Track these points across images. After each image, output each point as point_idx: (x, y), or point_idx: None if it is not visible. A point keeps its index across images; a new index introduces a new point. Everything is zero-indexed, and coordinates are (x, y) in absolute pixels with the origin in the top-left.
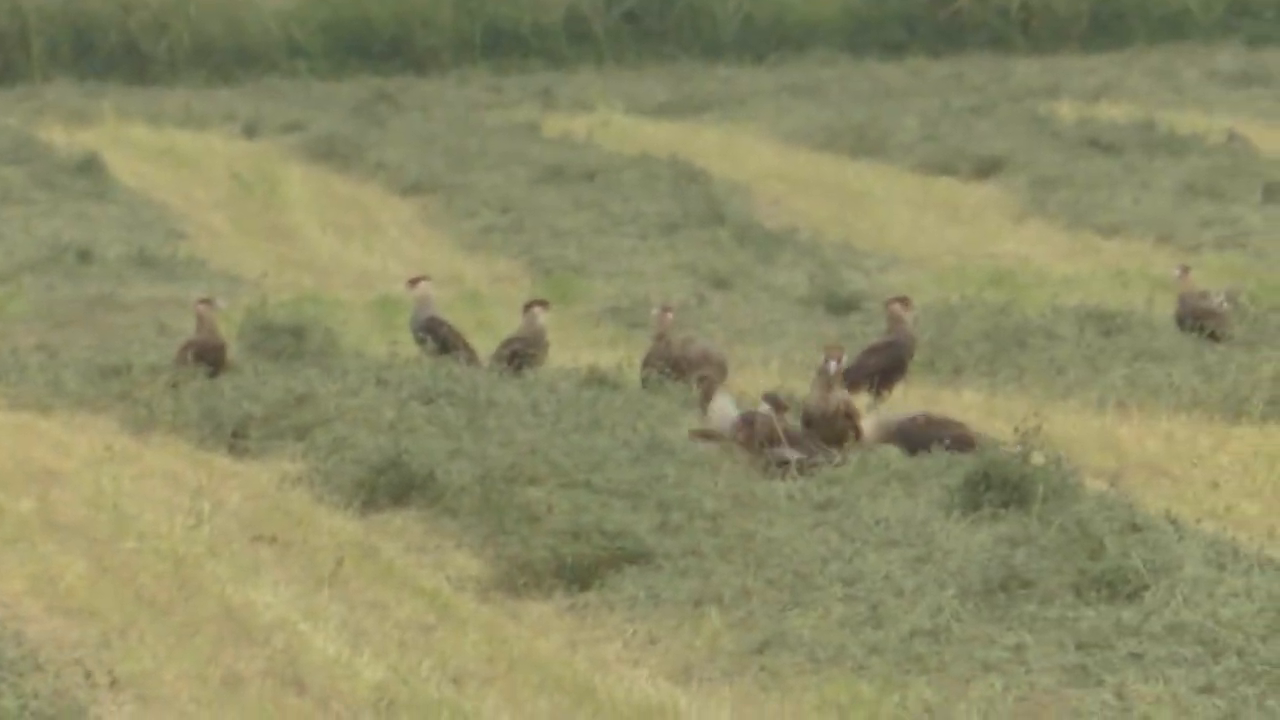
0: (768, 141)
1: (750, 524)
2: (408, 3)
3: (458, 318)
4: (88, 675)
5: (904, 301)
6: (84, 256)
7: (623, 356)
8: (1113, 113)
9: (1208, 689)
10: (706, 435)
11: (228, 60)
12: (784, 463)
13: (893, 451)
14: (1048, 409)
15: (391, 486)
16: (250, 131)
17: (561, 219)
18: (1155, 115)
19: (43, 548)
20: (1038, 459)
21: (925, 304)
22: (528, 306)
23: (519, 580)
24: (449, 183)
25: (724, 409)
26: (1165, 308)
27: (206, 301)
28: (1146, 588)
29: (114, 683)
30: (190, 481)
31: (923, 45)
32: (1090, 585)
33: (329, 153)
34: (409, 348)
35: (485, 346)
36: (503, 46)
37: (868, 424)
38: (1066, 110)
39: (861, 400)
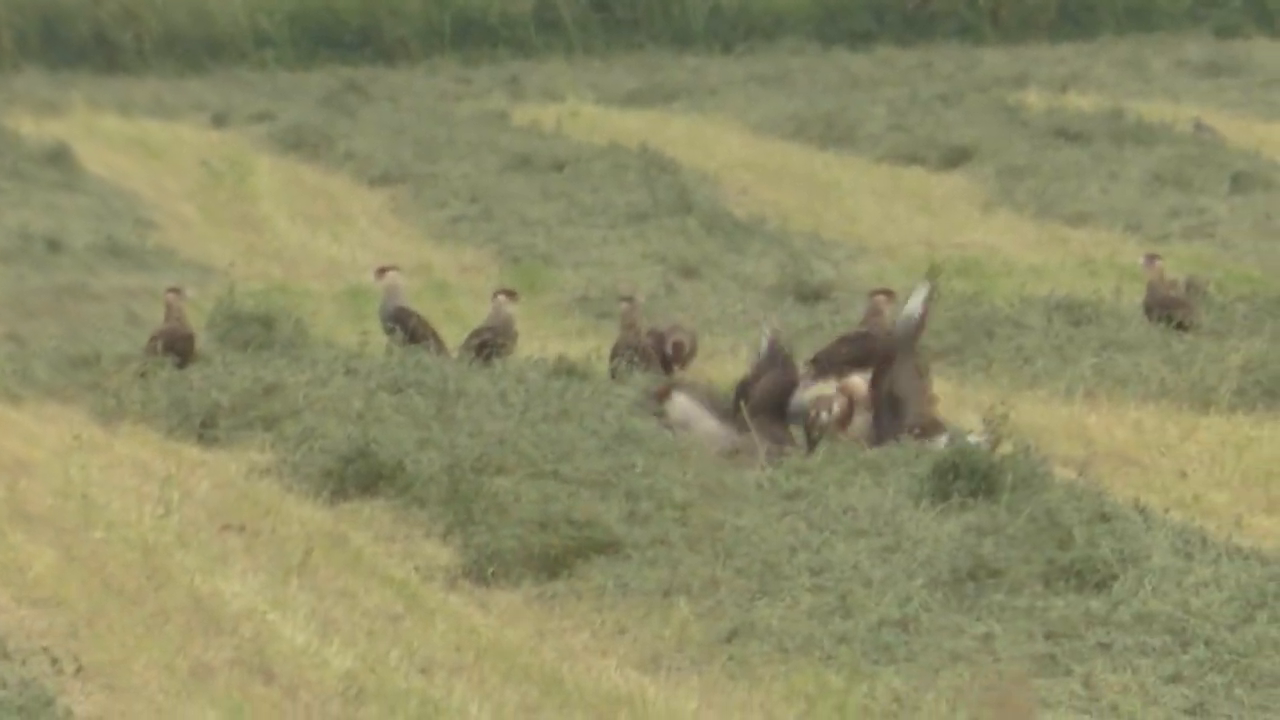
0: (736, 131)
1: (718, 513)
2: None
3: (426, 307)
4: (55, 664)
5: (887, 294)
6: (53, 246)
7: (592, 347)
8: (1081, 103)
9: (1176, 678)
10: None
11: (197, 50)
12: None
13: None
14: (1016, 398)
15: (360, 476)
16: (219, 121)
17: (530, 208)
18: (1123, 105)
19: (11, 537)
20: (1006, 448)
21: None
22: (495, 295)
23: (487, 570)
24: (418, 172)
25: (684, 408)
26: (1133, 297)
27: (175, 291)
28: (1115, 577)
29: (82, 672)
30: (159, 471)
31: (891, 35)
32: (1059, 574)
33: (298, 143)
34: (378, 338)
35: (454, 336)
36: (472, 36)
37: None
38: (1035, 100)
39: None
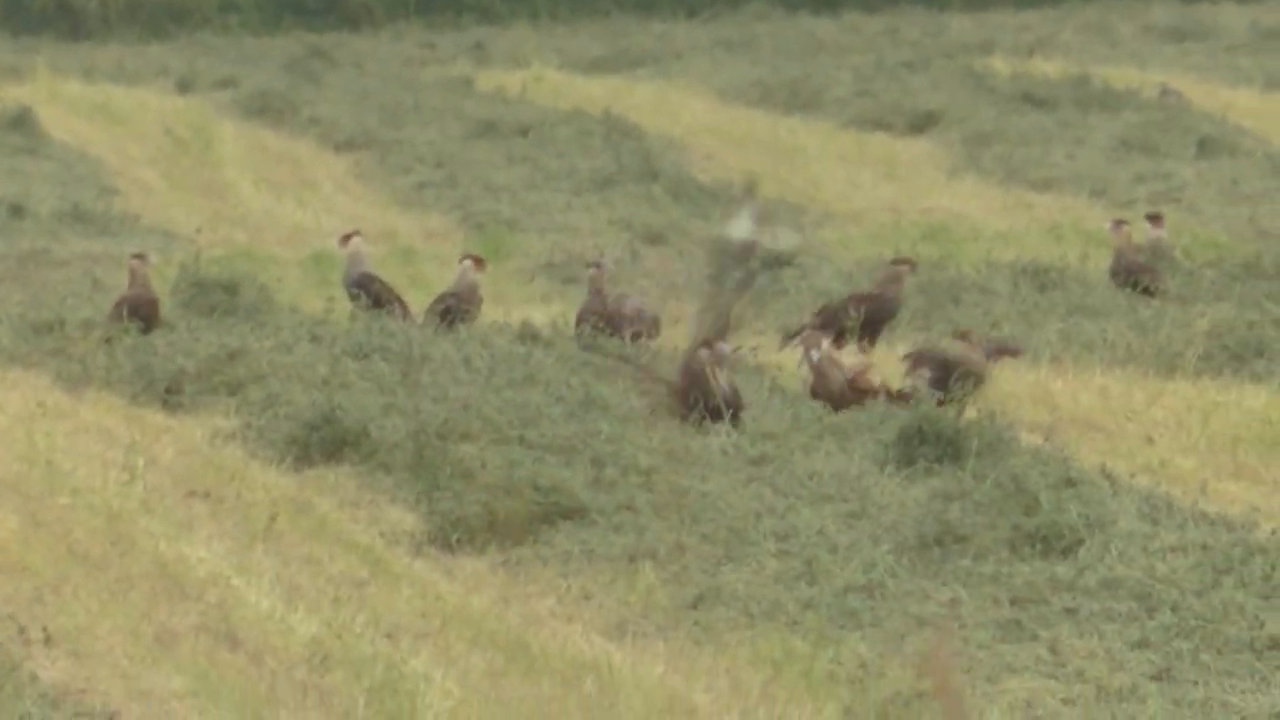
0: (702, 97)
1: (684, 479)
2: None
3: (391, 273)
4: (21, 631)
5: (909, 264)
6: (17, 212)
7: (557, 313)
8: (1047, 68)
9: (1142, 643)
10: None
11: (161, 16)
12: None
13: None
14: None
15: (325, 442)
16: (184, 87)
17: (495, 174)
18: (1089, 70)
19: None
20: (972, 414)
21: (859, 260)
22: (462, 259)
23: (452, 535)
24: (383, 138)
25: None
26: (1099, 263)
27: (140, 257)
28: (1081, 542)
29: (48, 638)
30: (123, 437)
31: (857, 1)
32: (1024, 540)
33: (262, 109)
34: (343, 303)
35: (419, 302)
36: (437, 2)
37: None
38: (1001, 66)
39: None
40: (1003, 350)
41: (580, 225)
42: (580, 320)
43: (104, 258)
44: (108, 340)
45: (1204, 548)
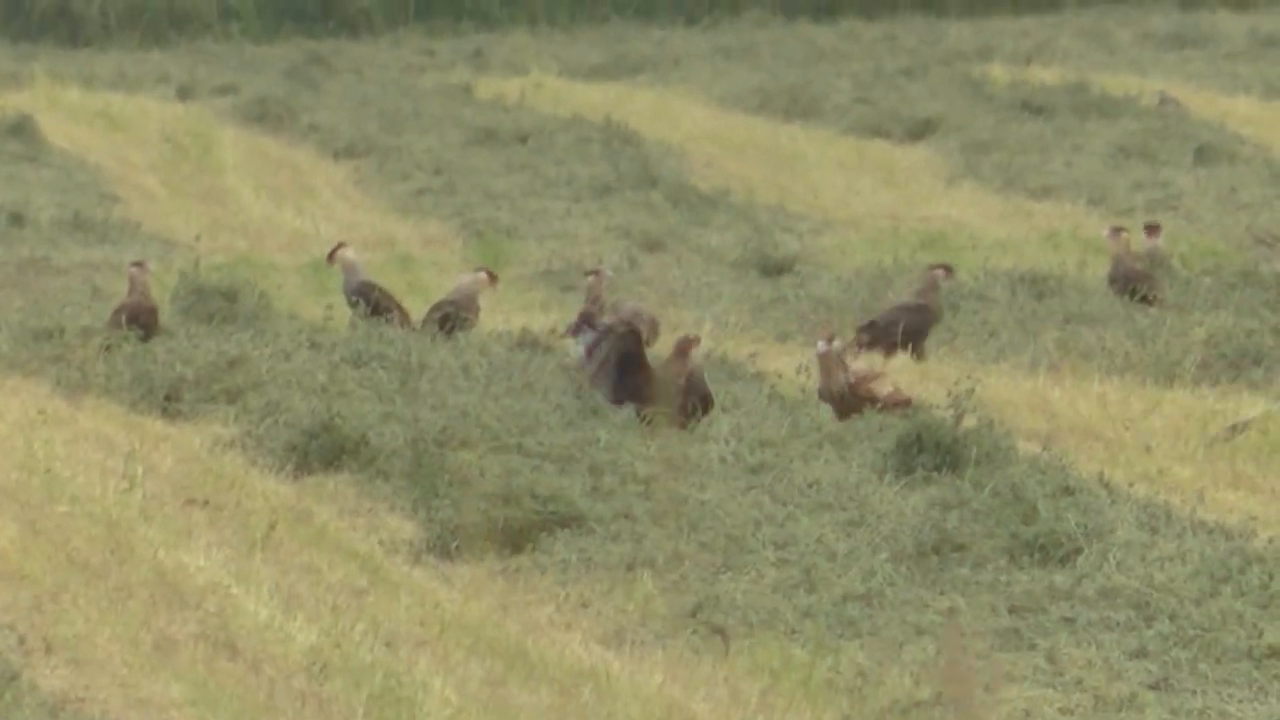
0: (701, 104)
1: (682, 487)
2: None
3: (389, 280)
4: (20, 640)
5: (946, 269)
6: (16, 219)
7: (556, 320)
8: (1045, 75)
9: (1140, 653)
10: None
11: (160, 22)
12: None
13: (825, 414)
14: (980, 372)
15: (324, 450)
16: (183, 94)
17: (494, 181)
18: (1088, 78)
19: None
20: (970, 422)
21: (857, 267)
22: (478, 270)
23: (451, 543)
24: (382, 145)
25: None
26: (1097, 270)
27: (139, 264)
28: (1079, 551)
29: (47, 647)
30: (123, 445)
31: (855, 7)
32: (1023, 549)
33: (262, 115)
34: (342, 311)
35: (418, 309)
36: (435, 9)
37: None
38: (999, 73)
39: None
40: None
41: (579, 232)
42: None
43: (104, 265)
44: (107, 348)
45: (1202, 557)
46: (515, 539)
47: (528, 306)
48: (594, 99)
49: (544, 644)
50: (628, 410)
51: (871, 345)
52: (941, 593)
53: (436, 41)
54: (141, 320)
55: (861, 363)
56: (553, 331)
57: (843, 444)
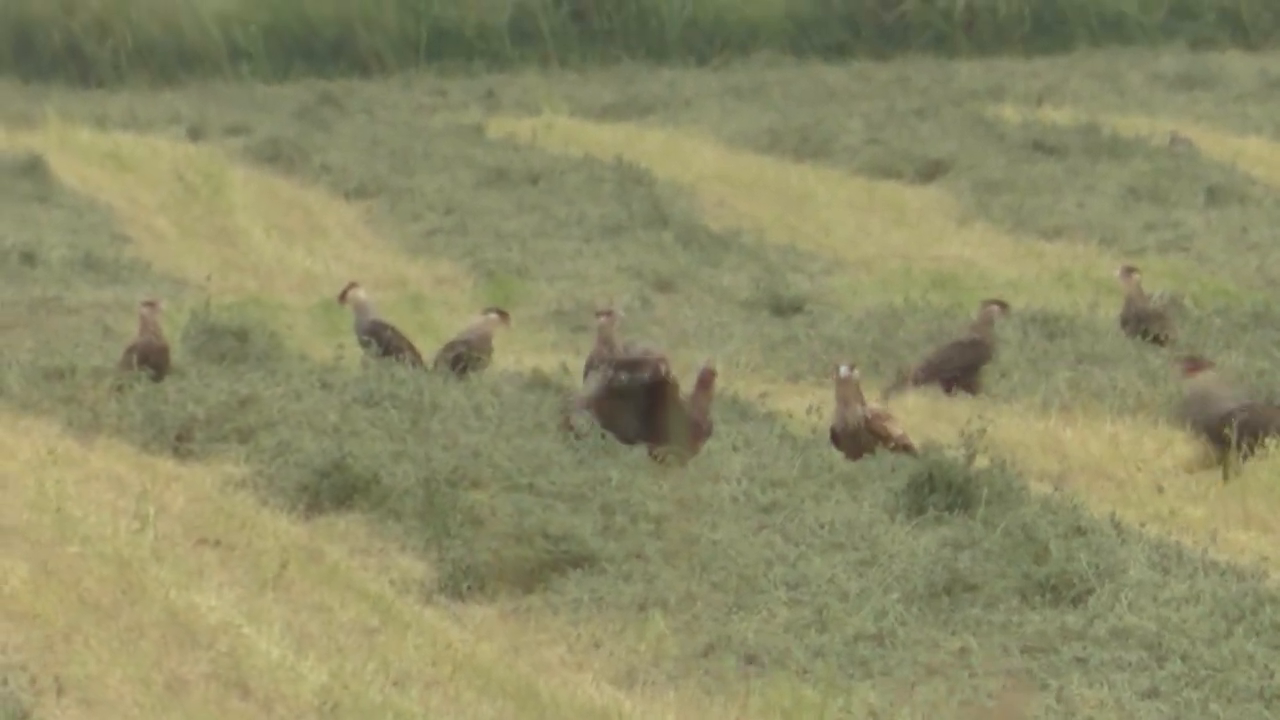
0: (712, 144)
1: (694, 527)
2: (350, 4)
3: (401, 320)
4: (32, 680)
5: (1001, 305)
6: (28, 259)
7: (567, 360)
8: (1056, 116)
9: (1152, 693)
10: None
11: (171, 63)
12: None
13: (836, 454)
14: (992, 412)
15: (335, 489)
16: (195, 134)
17: (505, 222)
18: (1099, 118)
19: None
20: (982, 462)
21: (869, 307)
22: (487, 311)
23: (462, 583)
24: (393, 185)
25: None
26: (1109, 311)
27: (150, 304)
28: (1091, 591)
29: (58, 687)
30: (134, 485)
31: (866, 48)
32: (1035, 589)
33: (273, 156)
34: (353, 350)
35: (429, 349)
36: (447, 49)
37: None
38: (1010, 113)
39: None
40: None
41: (590, 272)
42: (589, 367)
43: (115, 305)
44: (118, 387)
45: (1214, 597)
46: (527, 579)
47: (539, 347)
48: (605, 139)
49: (556, 684)
50: (639, 449)
51: (926, 381)
52: (953, 633)
53: (448, 82)
54: (153, 360)
55: (875, 403)
56: (565, 370)
57: (854, 484)
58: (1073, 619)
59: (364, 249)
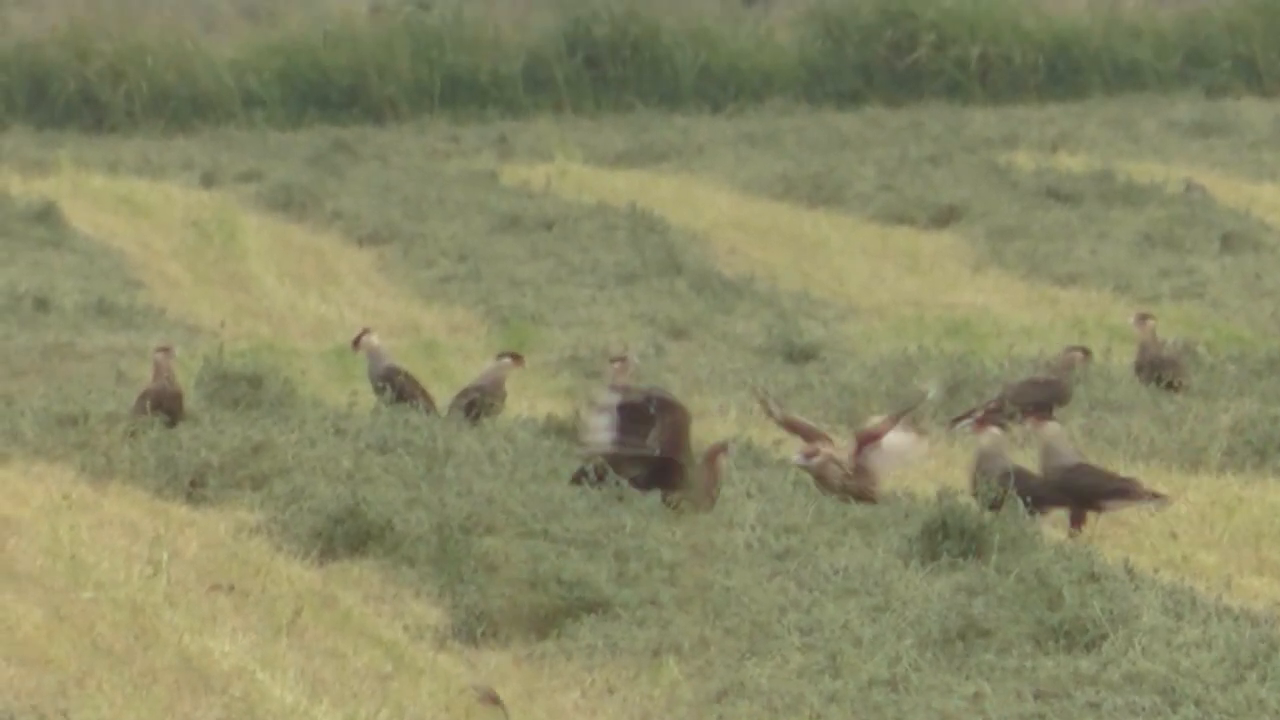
0: (725, 191)
1: (708, 573)
2: (364, 51)
3: (414, 367)
4: None
5: (1085, 353)
6: (41, 305)
7: (579, 406)
8: (1070, 163)
9: None
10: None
11: (185, 109)
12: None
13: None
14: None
15: (349, 536)
16: (208, 181)
17: (519, 268)
18: (1113, 165)
19: None
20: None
21: (882, 354)
22: (500, 356)
23: (476, 629)
24: (406, 232)
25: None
26: (1123, 358)
27: (164, 350)
28: (1104, 637)
29: None
30: (148, 530)
31: (880, 95)
32: (1048, 634)
33: (286, 202)
34: (367, 397)
35: (443, 396)
36: (460, 96)
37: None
38: (1024, 160)
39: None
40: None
41: (604, 319)
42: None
43: (128, 351)
44: (132, 433)
45: (1228, 643)
46: (541, 624)
47: (553, 393)
48: (619, 186)
49: None
50: (653, 496)
51: (997, 412)
52: (967, 678)
53: (461, 128)
54: (166, 406)
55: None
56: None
57: (868, 530)
58: (1086, 664)
59: (377, 295)
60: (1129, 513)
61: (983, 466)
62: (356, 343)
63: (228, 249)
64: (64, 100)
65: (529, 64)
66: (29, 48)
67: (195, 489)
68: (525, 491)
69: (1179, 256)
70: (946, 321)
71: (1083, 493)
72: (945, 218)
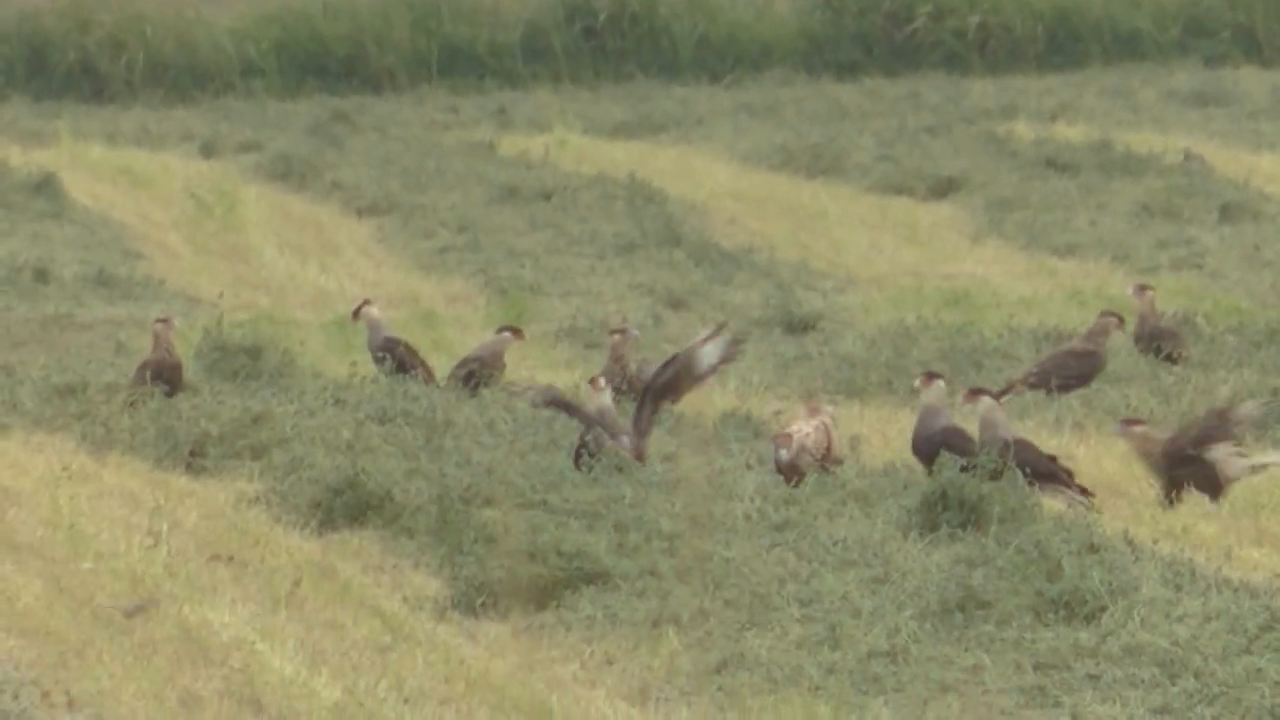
0: (724, 161)
1: (707, 545)
2: (362, 22)
3: (413, 338)
4: (45, 695)
5: (1119, 319)
6: (41, 276)
7: (579, 378)
8: (1069, 133)
9: (1164, 710)
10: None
11: (184, 80)
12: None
13: (849, 471)
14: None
15: (348, 506)
16: (207, 151)
17: (518, 239)
18: (1112, 135)
19: (0, 568)
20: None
21: (881, 325)
22: (500, 330)
23: (476, 600)
24: (405, 203)
25: None
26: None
27: (163, 321)
28: (1104, 609)
29: (71, 703)
30: (147, 501)
31: (879, 66)
32: (1047, 606)
33: (285, 173)
34: (366, 368)
35: (442, 367)
36: (459, 66)
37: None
38: (1023, 130)
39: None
40: None
41: (603, 290)
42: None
43: (128, 322)
44: (131, 404)
45: (1227, 614)
46: (540, 596)
47: (552, 364)
48: (617, 157)
49: (569, 701)
50: (652, 467)
51: (1037, 387)
52: (966, 650)
53: (460, 99)
54: (166, 377)
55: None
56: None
57: (867, 501)
58: (1085, 636)
59: (376, 266)
60: (1128, 484)
61: (982, 436)
62: (356, 314)
63: (227, 220)
64: (63, 71)
65: (527, 34)
66: (29, 18)
67: (194, 459)
68: (525, 462)
69: (1178, 227)
70: (945, 292)
71: (1020, 468)
72: (944, 188)
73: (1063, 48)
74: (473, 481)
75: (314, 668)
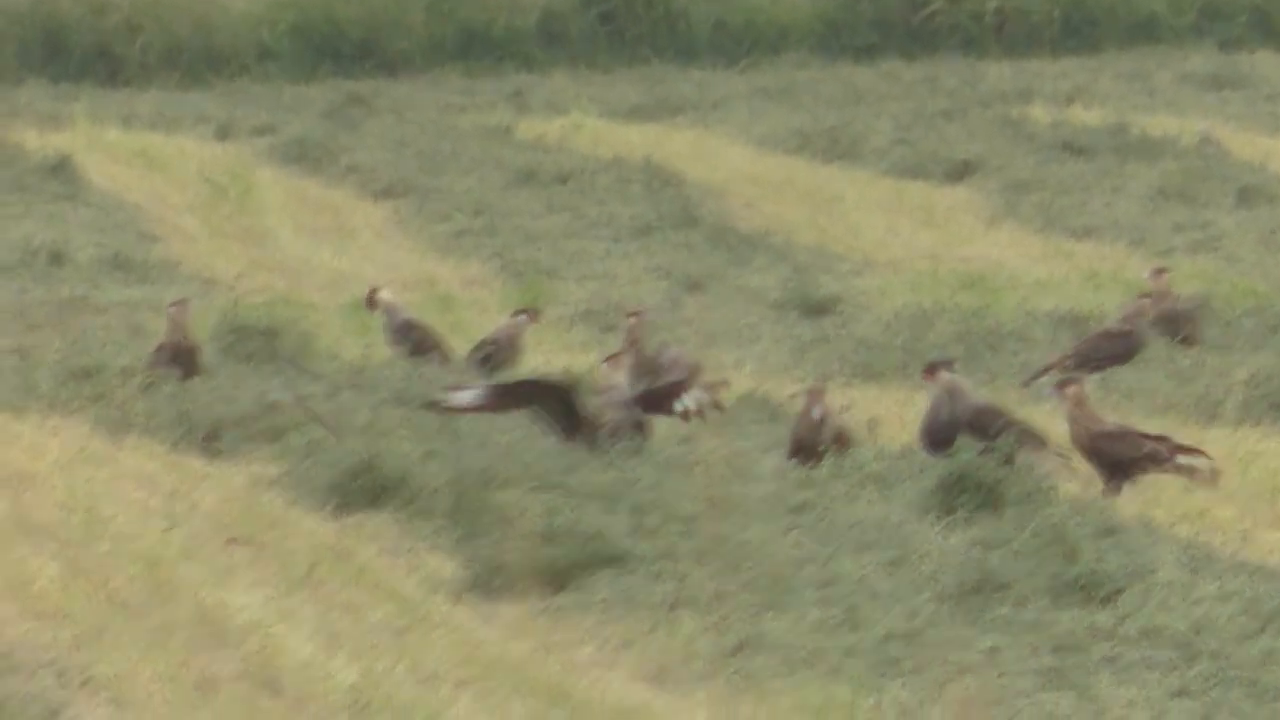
0: (741, 145)
1: (725, 527)
2: (378, 5)
3: (430, 321)
4: (61, 677)
5: (1152, 299)
6: (56, 259)
7: (594, 361)
8: (1085, 116)
9: (1182, 692)
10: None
11: (199, 63)
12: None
13: (867, 454)
14: (1021, 413)
15: (365, 489)
16: (223, 134)
17: (534, 222)
18: (1128, 119)
19: (16, 550)
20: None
21: (898, 308)
22: (516, 314)
23: (493, 583)
24: (421, 186)
25: None
26: None
27: (179, 303)
28: (1121, 591)
29: (88, 685)
30: (164, 484)
31: (895, 49)
32: (1065, 588)
33: (301, 156)
34: (382, 350)
35: (459, 350)
36: (475, 49)
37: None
38: (1039, 114)
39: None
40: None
41: (619, 273)
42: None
43: (143, 304)
44: (147, 387)
45: (1245, 596)
46: (557, 578)
47: (569, 346)
48: (634, 140)
49: (586, 683)
50: (670, 449)
51: (1075, 369)
52: (984, 632)
53: (476, 82)
54: (182, 359)
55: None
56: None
57: (885, 484)
58: (1103, 618)
59: (392, 249)
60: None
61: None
62: (371, 302)
63: (243, 203)
64: (79, 54)
65: (543, 18)
66: (45, 1)
67: (211, 442)
68: (541, 445)
69: (1194, 210)
70: (962, 275)
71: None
72: (960, 172)
73: (1079, 31)
74: (489, 464)
75: (331, 650)
